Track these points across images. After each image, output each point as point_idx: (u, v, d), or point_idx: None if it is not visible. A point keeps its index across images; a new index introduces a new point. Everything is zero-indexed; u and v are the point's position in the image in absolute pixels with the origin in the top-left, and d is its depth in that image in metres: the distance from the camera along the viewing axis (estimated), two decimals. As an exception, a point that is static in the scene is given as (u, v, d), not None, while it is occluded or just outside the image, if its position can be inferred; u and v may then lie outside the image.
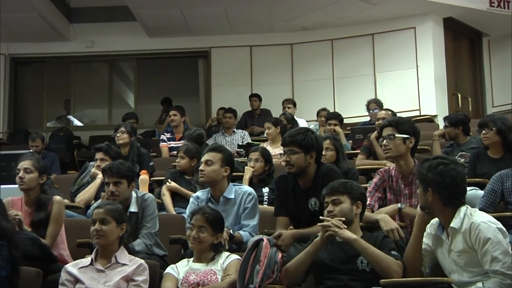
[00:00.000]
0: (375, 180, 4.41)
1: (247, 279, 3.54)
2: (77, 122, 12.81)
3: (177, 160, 6.13)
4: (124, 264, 3.81)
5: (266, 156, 5.95)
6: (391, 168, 4.40)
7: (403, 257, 3.53)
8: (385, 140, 4.25)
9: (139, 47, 12.00)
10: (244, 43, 11.87)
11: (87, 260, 3.89)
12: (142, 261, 3.86)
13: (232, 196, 4.44)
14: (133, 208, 4.53)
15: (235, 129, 9.31)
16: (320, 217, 3.64)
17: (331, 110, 9.72)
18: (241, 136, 9.03)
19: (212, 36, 11.76)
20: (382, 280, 3.40)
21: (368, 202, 4.12)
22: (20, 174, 4.57)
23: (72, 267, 3.87)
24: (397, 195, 4.27)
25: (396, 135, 4.20)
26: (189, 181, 5.93)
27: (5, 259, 3.67)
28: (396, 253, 3.51)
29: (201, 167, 4.47)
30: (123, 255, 3.86)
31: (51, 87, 12.61)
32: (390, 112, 7.11)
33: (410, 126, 4.28)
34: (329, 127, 7.95)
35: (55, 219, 4.49)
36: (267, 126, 7.81)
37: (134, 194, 4.60)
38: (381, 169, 4.48)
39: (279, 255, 3.64)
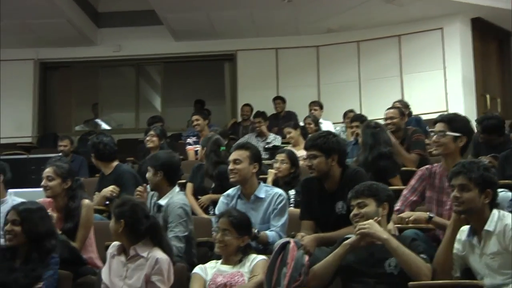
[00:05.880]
0: (412, 182, 4.27)
1: (274, 282, 3.53)
2: (104, 126, 12.93)
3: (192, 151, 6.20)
4: (143, 257, 3.77)
5: (292, 158, 5.95)
6: (435, 165, 4.26)
7: (434, 260, 3.50)
8: (435, 136, 4.12)
9: (165, 51, 12.09)
10: (270, 46, 11.89)
11: (114, 248, 3.91)
12: (159, 256, 3.77)
13: (263, 196, 4.44)
14: (163, 201, 4.54)
15: (270, 134, 9.24)
16: (354, 219, 3.61)
17: (358, 112, 9.67)
18: (272, 140, 8.96)
19: (238, 39, 11.80)
20: (411, 282, 3.37)
21: (397, 207, 4.06)
22: (43, 182, 4.60)
23: (105, 273, 3.89)
24: (438, 193, 4.12)
25: (447, 132, 4.05)
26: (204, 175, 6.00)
27: (57, 271, 3.87)
28: (425, 256, 3.48)
29: (230, 167, 4.48)
30: (143, 248, 3.82)
31: (79, 91, 12.77)
32: (397, 111, 6.85)
33: (464, 125, 4.13)
34: (353, 130, 7.89)
35: (84, 223, 4.51)
36: (287, 131, 7.85)
37: (175, 190, 4.62)
38: (423, 167, 4.34)
39: (306, 258, 3.63)
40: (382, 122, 9.72)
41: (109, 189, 5.56)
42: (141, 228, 3.80)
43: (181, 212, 4.48)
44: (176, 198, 4.58)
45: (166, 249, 3.87)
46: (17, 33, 11.14)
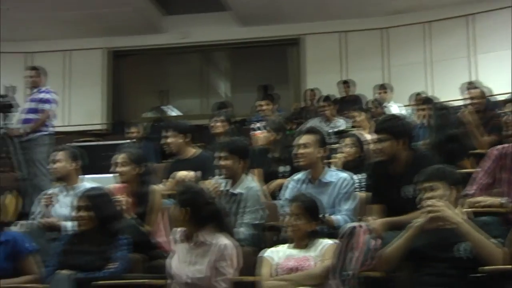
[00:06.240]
0: (485, 163, 4.15)
1: (341, 267, 3.53)
2: (173, 112, 13.09)
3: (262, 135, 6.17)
4: (208, 243, 3.81)
5: (359, 142, 5.92)
6: (507, 145, 4.14)
7: (507, 245, 3.40)
8: (506, 116, 3.99)
9: (232, 37, 12.14)
10: (336, 29, 11.79)
11: (178, 234, 3.94)
12: (224, 242, 3.80)
13: (329, 180, 4.45)
14: (238, 189, 4.55)
15: (336, 118, 9.19)
16: (423, 202, 3.56)
17: (427, 94, 9.51)
18: (338, 125, 8.89)
19: (305, 23, 11.79)
20: (483, 267, 3.29)
21: (470, 191, 3.97)
22: (115, 168, 4.72)
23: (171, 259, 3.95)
24: (511, 174, 3.99)
25: None
26: (271, 160, 5.95)
27: (127, 252, 4.01)
28: (499, 241, 3.38)
29: (299, 151, 4.49)
30: (207, 234, 3.84)
31: (147, 79, 13.00)
32: (481, 91, 6.63)
33: None
34: (422, 113, 7.74)
35: (153, 207, 4.61)
36: (353, 115, 7.78)
37: (247, 178, 4.62)
38: (497, 147, 4.23)
39: (373, 242, 3.60)
40: (452, 104, 9.60)
41: (184, 174, 5.42)
42: (204, 215, 3.83)
43: (259, 199, 4.54)
44: (253, 185, 4.61)
45: (231, 235, 3.91)
46: (87, 23, 11.44)
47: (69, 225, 4.59)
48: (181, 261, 3.85)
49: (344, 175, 4.54)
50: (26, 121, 7.29)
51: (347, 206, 4.37)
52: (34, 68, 7.75)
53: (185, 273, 3.78)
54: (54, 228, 4.69)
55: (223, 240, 3.80)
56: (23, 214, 5.77)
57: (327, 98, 9.48)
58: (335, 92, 10.77)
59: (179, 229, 3.94)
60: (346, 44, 11.85)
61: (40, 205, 4.94)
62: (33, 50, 12.25)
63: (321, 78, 11.45)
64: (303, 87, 11.66)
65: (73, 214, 4.25)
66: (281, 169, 5.90)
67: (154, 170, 5.31)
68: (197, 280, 3.74)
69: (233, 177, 4.60)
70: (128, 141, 8.24)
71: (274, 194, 5.73)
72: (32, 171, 6.99)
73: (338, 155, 5.97)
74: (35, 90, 7.47)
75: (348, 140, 5.98)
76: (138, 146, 7.46)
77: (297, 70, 12.25)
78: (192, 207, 3.83)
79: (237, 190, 4.55)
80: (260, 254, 3.91)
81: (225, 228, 3.92)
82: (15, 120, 7.44)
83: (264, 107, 8.52)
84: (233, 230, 4.17)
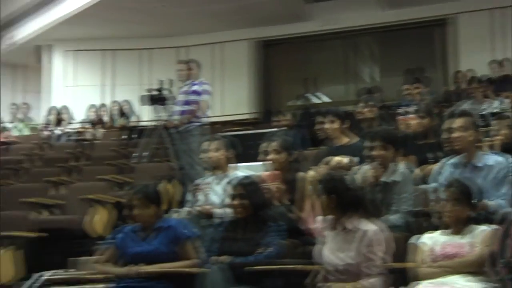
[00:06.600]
0: None
1: (498, 254, 3.40)
2: (319, 100, 13.13)
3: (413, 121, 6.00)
4: (355, 230, 3.77)
5: None
6: None
7: None
8: None
9: (377, 21, 11.99)
10: (489, 6, 11.28)
11: (323, 222, 3.95)
12: (369, 228, 3.75)
13: (484, 164, 4.30)
14: (391, 177, 4.50)
15: (490, 99, 8.79)
16: None
17: None
18: (491, 106, 8.50)
19: (454, 2, 11.41)
20: None
21: None
22: (267, 156, 4.82)
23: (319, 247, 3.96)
24: None
25: None
26: (421, 146, 5.78)
27: (277, 238, 4.16)
28: None
29: (452, 135, 4.37)
30: (352, 221, 3.81)
31: (293, 67, 13.12)
32: None
33: None
34: None
35: (303, 194, 4.66)
36: (510, 95, 7.44)
37: (400, 166, 4.58)
38: None
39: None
40: None
41: (339, 159, 5.29)
42: (350, 202, 3.81)
43: (415, 186, 4.50)
44: (408, 172, 4.57)
45: (377, 221, 3.86)
46: (235, 14, 11.78)
47: (221, 212, 4.76)
48: (330, 248, 3.87)
49: (500, 158, 4.36)
50: (180, 112, 7.63)
51: (505, 190, 4.18)
52: (185, 62, 8.08)
53: (335, 259, 3.80)
54: (209, 216, 4.89)
55: (371, 226, 3.76)
56: (182, 202, 6.05)
57: (479, 79, 9.10)
58: (489, 72, 10.29)
59: (325, 216, 3.96)
60: (500, 21, 11.26)
61: (194, 193, 5.15)
62: (185, 44, 12.82)
63: (473, 59, 10.99)
64: (452, 69, 11.27)
65: (227, 201, 4.43)
66: (433, 154, 5.74)
67: (304, 157, 5.35)
68: (348, 266, 3.74)
69: (385, 166, 4.57)
70: (276, 129, 8.39)
71: (424, 179, 5.60)
72: (187, 160, 7.31)
73: (496, 138, 5.74)
74: (188, 83, 7.79)
75: (504, 122, 5.74)
76: (288, 134, 7.56)
77: (444, 51, 11.83)
78: (338, 194, 3.83)
79: (391, 179, 4.50)
80: (411, 241, 3.86)
81: (372, 214, 3.88)
82: (171, 112, 7.83)
83: (413, 91, 8.32)
84: (383, 217, 4.14)
